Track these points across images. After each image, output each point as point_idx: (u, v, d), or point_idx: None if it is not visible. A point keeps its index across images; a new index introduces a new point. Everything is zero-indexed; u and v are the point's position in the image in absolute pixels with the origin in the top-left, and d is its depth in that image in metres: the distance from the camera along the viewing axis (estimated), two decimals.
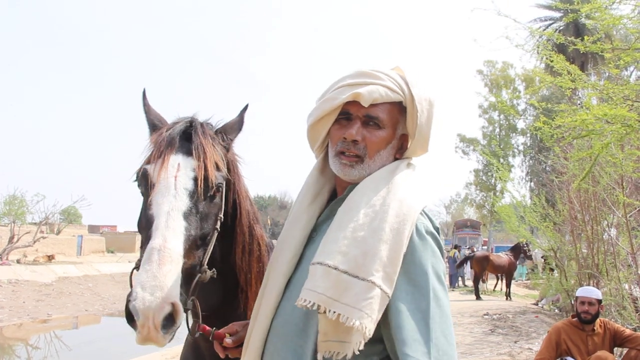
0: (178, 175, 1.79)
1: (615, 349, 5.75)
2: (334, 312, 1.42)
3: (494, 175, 33.45)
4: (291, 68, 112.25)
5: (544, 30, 25.14)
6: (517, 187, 32.68)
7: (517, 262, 20.06)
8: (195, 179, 1.80)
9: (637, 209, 8.34)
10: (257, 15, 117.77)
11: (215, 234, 1.88)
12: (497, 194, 32.93)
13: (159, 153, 1.84)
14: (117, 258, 32.07)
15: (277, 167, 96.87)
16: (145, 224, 1.73)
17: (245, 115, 2.16)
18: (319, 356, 1.47)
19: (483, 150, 31.75)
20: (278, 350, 1.60)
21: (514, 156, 41.19)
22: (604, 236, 10.28)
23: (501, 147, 36.43)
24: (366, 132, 1.65)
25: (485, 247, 32.50)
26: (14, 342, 13.36)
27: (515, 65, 39.99)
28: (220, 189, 1.90)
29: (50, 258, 25.81)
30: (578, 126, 6.06)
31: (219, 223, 1.90)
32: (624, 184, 8.37)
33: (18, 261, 23.49)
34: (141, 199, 1.87)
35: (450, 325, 1.49)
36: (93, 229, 47.11)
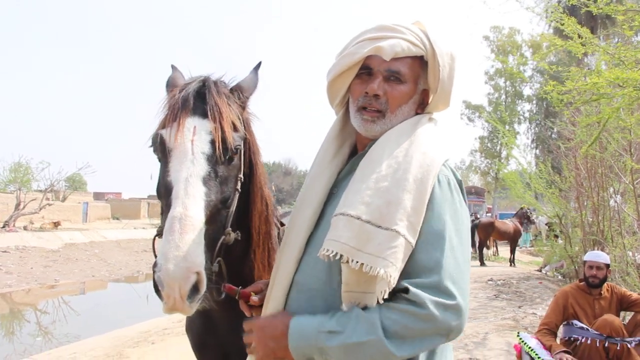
0: (195, 139, 1.73)
1: (622, 313, 5.77)
2: (357, 261, 1.39)
3: (499, 142, 33.34)
4: (291, 68, 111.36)
5: None
6: (522, 154, 32.56)
7: (522, 229, 20.05)
8: (213, 142, 1.75)
9: None
10: (257, 15, 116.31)
11: (237, 195, 1.84)
12: (502, 161, 32.78)
13: (173, 116, 1.78)
14: (122, 225, 32.34)
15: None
16: (165, 192, 1.69)
17: (259, 72, 2.10)
18: (344, 307, 1.44)
19: (489, 116, 31.45)
20: (302, 305, 1.55)
21: (519, 123, 40.85)
22: (609, 203, 10.24)
23: (507, 113, 36.09)
24: (388, 86, 1.61)
25: (490, 214, 32.45)
26: (23, 307, 13.54)
27: (522, 31, 39.43)
28: (239, 149, 1.85)
29: (56, 225, 26.03)
30: (588, 90, 5.97)
31: (239, 184, 1.87)
32: (632, 150, 8.30)
33: (25, 228, 23.71)
34: (156, 164, 1.82)
35: (466, 280, 1.46)
36: (98, 196, 47.53)
